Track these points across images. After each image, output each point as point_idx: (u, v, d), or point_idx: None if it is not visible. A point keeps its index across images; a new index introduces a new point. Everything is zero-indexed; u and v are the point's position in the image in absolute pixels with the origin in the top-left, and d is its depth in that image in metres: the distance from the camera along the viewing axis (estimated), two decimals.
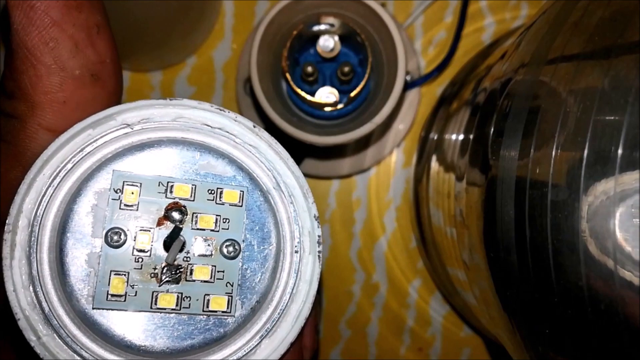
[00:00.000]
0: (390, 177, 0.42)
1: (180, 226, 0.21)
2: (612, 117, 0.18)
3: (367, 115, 0.35)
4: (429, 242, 0.38)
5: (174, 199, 0.21)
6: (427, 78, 0.40)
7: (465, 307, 0.39)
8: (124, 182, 0.21)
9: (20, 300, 0.19)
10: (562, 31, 0.21)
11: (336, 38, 0.36)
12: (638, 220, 0.17)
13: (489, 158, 0.23)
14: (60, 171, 0.20)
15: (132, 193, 0.21)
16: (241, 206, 0.21)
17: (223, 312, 0.21)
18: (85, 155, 0.21)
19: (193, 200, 0.21)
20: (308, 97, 0.36)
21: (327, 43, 0.36)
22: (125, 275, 0.20)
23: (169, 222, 0.21)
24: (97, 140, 0.21)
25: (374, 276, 0.42)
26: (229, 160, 0.21)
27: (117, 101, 0.23)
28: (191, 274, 0.21)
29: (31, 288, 0.20)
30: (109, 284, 0.20)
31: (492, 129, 0.23)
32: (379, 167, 0.42)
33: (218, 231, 0.21)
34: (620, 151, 0.18)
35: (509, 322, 0.23)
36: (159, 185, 0.21)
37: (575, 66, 0.20)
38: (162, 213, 0.21)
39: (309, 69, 0.35)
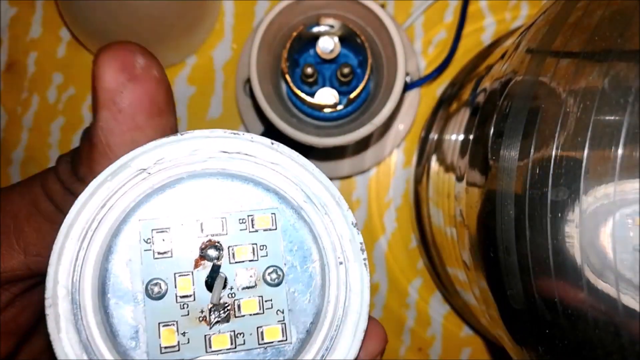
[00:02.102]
0: (390, 178, 0.42)
1: (218, 263, 0.20)
2: (612, 117, 0.18)
3: (366, 116, 0.35)
4: (429, 242, 0.38)
5: (207, 236, 0.20)
6: (427, 79, 0.40)
7: (465, 307, 0.39)
8: (152, 230, 0.20)
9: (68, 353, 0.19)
10: (562, 31, 0.21)
11: (336, 39, 0.36)
12: (638, 220, 0.18)
13: (489, 158, 0.23)
14: (87, 231, 0.20)
15: (164, 240, 0.20)
16: (275, 229, 0.21)
17: (279, 341, 0.20)
18: (108, 209, 0.20)
19: (226, 234, 0.20)
20: (308, 98, 0.36)
21: (327, 44, 0.36)
22: (174, 324, 0.20)
23: (206, 262, 0.20)
24: (116, 191, 0.20)
25: (374, 276, 0.42)
26: (253, 183, 0.21)
27: None
28: (239, 309, 0.20)
29: (85, 355, 0.19)
30: (159, 337, 0.20)
31: (492, 130, 0.23)
32: (379, 167, 0.42)
33: (257, 260, 0.20)
34: (620, 151, 0.18)
35: (508, 322, 0.23)
36: (188, 226, 0.20)
37: (575, 66, 0.20)
38: (198, 254, 0.20)
39: (309, 70, 0.35)
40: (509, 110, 0.22)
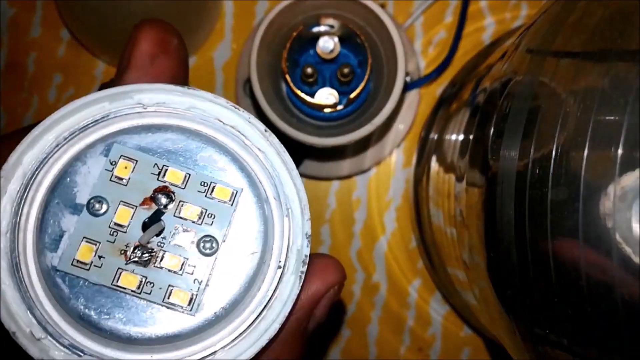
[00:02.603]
0: (390, 178, 0.42)
1: (164, 210, 0.20)
2: (612, 117, 0.18)
3: (366, 116, 0.35)
4: (429, 242, 0.38)
5: (165, 182, 0.21)
6: (427, 79, 0.40)
7: (465, 307, 0.39)
8: (121, 155, 0.20)
9: None
10: (562, 31, 0.22)
11: (336, 39, 0.36)
12: (638, 221, 0.18)
13: (489, 158, 0.23)
14: (68, 136, 0.20)
15: (126, 167, 0.20)
16: (231, 205, 0.21)
17: (183, 308, 0.20)
18: (95, 126, 0.21)
19: (183, 189, 0.21)
20: (308, 98, 0.36)
21: (327, 44, 0.36)
22: (95, 244, 0.20)
23: (153, 204, 0.20)
24: (109, 113, 0.21)
25: (374, 276, 0.42)
26: (232, 158, 0.21)
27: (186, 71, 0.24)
28: (160, 260, 0.20)
29: (9, 235, 0.20)
30: (77, 249, 0.20)
31: (492, 130, 0.23)
32: (379, 167, 0.42)
33: (200, 224, 0.21)
34: (620, 151, 0.18)
35: (509, 322, 0.23)
36: (154, 166, 0.21)
37: (575, 66, 0.20)
38: (150, 194, 0.21)
39: (309, 70, 0.35)
40: (509, 110, 0.22)
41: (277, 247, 0.21)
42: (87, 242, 0.20)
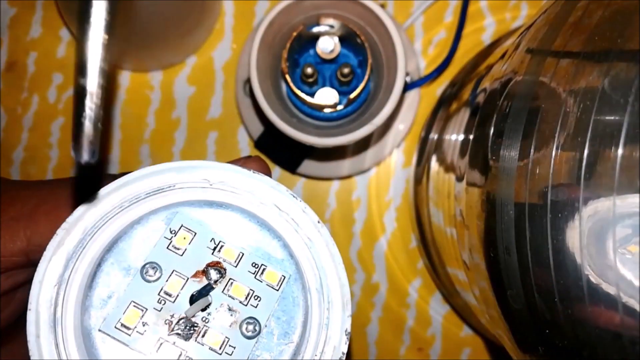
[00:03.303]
0: (390, 178, 0.42)
1: (213, 286, 0.21)
2: (612, 117, 0.18)
3: (367, 116, 0.35)
4: (429, 242, 0.38)
5: (219, 258, 0.21)
6: (427, 79, 0.40)
7: (465, 307, 0.39)
8: (182, 225, 0.21)
9: (42, 295, 0.20)
10: (562, 31, 0.21)
11: (336, 39, 0.36)
12: (638, 222, 0.18)
13: (489, 158, 0.23)
14: (133, 199, 0.21)
15: (184, 238, 0.21)
16: (277, 290, 0.21)
17: None
18: (161, 193, 0.21)
19: (235, 267, 0.21)
20: (308, 98, 0.36)
21: (327, 44, 0.36)
22: (143, 310, 0.20)
23: (204, 278, 0.21)
24: (175, 184, 0.21)
25: (374, 276, 0.42)
26: (283, 244, 0.21)
27: None
28: (203, 336, 0.20)
29: (56, 288, 0.20)
30: (124, 313, 0.20)
31: (492, 130, 0.23)
32: (379, 167, 0.42)
33: (246, 305, 0.21)
34: (620, 151, 0.18)
35: (508, 322, 0.23)
36: (211, 241, 0.21)
37: (575, 66, 0.20)
38: (203, 267, 0.21)
39: (309, 70, 0.35)
40: (509, 110, 0.22)
41: (313, 340, 0.21)
42: (134, 306, 0.20)
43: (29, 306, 0.19)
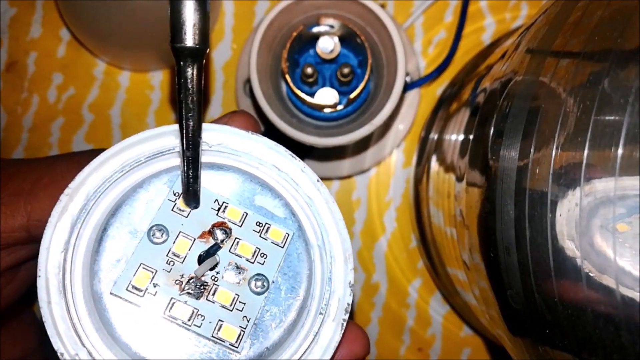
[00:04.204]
0: (390, 177, 0.42)
1: (220, 245, 0.21)
2: (612, 117, 0.18)
3: (367, 116, 0.35)
4: (429, 242, 0.38)
5: (224, 219, 0.21)
6: (427, 79, 0.40)
7: (465, 307, 0.39)
8: None
9: (50, 261, 0.20)
10: (562, 31, 0.22)
11: (336, 39, 0.36)
12: (637, 220, 0.18)
13: (489, 158, 0.23)
14: (133, 163, 0.21)
15: None
16: (282, 247, 0.21)
17: (231, 344, 0.20)
18: (162, 156, 0.21)
19: (240, 227, 0.21)
20: (308, 98, 0.36)
21: (327, 44, 0.36)
22: (152, 271, 0.20)
23: (211, 238, 0.21)
24: (176, 147, 0.21)
25: (374, 276, 0.42)
26: (284, 203, 0.22)
27: None
28: (213, 294, 0.20)
29: (63, 254, 0.20)
30: (134, 275, 0.20)
31: (492, 130, 0.23)
32: (379, 167, 0.42)
33: (253, 263, 0.21)
34: (620, 151, 0.18)
35: (508, 322, 0.23)
36: (214, 202, 0.21)
37: (575, 66, 0.20)
38: (208, 228, 0.21)
39: (309, 70, 0.35)
40: (509, 110, 0.22)
41: (317, 293, 0.21)
42: (144, 268, 0.20)
43: (38, 273, 0.20)
